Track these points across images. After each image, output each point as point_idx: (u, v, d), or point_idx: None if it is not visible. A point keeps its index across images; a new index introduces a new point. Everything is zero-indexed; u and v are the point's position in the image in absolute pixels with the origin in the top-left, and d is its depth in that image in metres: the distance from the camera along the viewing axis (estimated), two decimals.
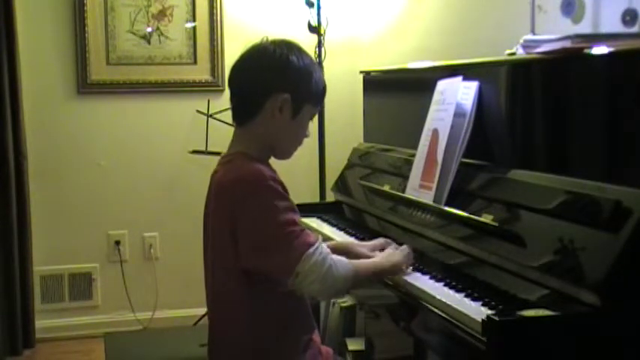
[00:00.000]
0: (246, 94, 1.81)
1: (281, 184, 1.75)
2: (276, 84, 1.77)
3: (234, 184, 1.73)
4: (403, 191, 2.33)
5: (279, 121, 1.78)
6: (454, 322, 1.66)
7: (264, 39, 1.84)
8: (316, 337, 1.88)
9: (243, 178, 1.73)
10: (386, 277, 1.97)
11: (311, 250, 1.68)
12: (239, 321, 1.78)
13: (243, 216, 1.70)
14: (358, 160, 2.91)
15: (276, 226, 1.69)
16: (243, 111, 1.82)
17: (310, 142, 3.73)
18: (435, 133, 2.20)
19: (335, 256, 1.75)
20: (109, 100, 3.85)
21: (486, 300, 1.69)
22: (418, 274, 1.95)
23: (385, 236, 2.21)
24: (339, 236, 2.47)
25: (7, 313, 3.57)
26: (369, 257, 1.98)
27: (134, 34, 3.84)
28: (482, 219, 1.89)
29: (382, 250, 2.05)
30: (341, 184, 2.93)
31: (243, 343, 1.78)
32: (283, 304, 1.77)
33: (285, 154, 1.87)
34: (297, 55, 1.81)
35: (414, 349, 2.49)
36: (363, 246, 2.09)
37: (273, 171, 1.79)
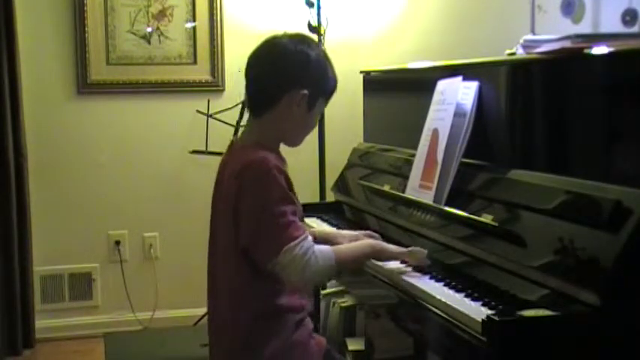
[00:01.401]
0: (264, 88, 1.87)
1: (285, 173, 1.81)
2: (296, 80, 1.84)
3: (242, 170, 1.80)
4: (403, 191, 2.33)
5: (296, 115, 1.86)
6: (454, 322, 1.66)
7: (283, 33, 1.89)
8: (309, 321, 1.92)
9: (248, 165, 1.80)
10: (375, 259, 2.02)
11: (292, 244, 1.75)
12: (236, 299, 1.84)
13: (244, 200, 1.78)
14: (358, 160, 2.91)
15: (268, 215, 1.76)
16: (260, 103, 1.88)
17: (310, 142, 3.74)
18: (435, 133, 2.20)
19: (318, 248, 1.81)
20: (109, 100, 3.85)
21: (486, 300, 1.69)
22: (418, 274, 1.95)
23: (384, 236, 2.22)
24: None
25: (7, 313, 3.57)
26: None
27: (134, 34, 3.84)
28: (482, 219, 1.89)
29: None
30: (341, 184, 2.93)
31: (238, 321, 1.83)
32: (279, 282, 1.82)
33: (295, 142, 1.94)
34: (315, 52, 1.88)
35: (414, 349, 2.49)
36: (343, 237, 2.13)
37: (282, 159, 1.87)
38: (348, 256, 1.92)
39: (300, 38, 1.89)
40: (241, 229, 1.79)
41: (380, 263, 2.04)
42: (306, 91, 1.84)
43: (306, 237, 1.80)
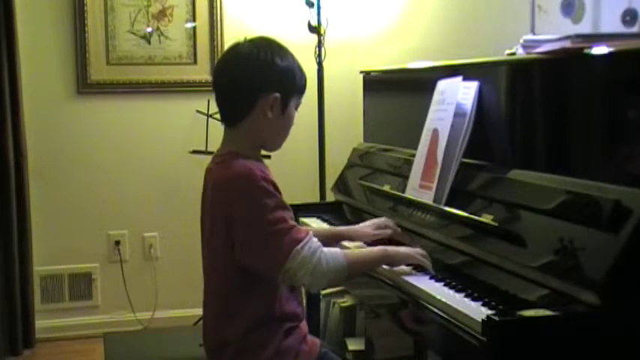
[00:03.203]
0: (236, 97, 1.87)
1: (272, 182, 1.81)
2: (264, 86, 1.84)
3: (227, 183, 1.81)
4: (403, 191, 2.33)
5: (271, 119, 1.86)
6: (454, 322, 1.66)
7: (244, 39, 1.89)
8: (303, 326, 1.93)
9: (235, 178, 1.80)
10: (388, 264, 2.01)
11: (299, 246, 1.76)
12: (227, 309, 1.84)
13: (236, 215, 1.78)
14: (358, 160, 2.91)
15: (266, 224, 1.76)
16: (232, 112, 1.88)
17: (310, 142, 3.75)
18: (435, 133, 2.20)
19: (327, 250, 1.82)
20: (109, 100, 3.85)
21: (486, 300, 1.69)
22: (418, 274, 1.95)
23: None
24: None
25: (7, 313, 3.57)
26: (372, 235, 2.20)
27: (134, 34, 3.84)
28: (482, 219, 1.89)
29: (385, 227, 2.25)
30: (341, 184, 2.93)
31: (230, 330, 1.84)
32: (270, 292, 1.83)
33: (276, 146, 1.95)
34: (279, 55, 1.87)
35: (414, 349, 2.49)
36: (365, 227, 2.22)
37: (265, 167, 1.86)
38: (360, 259, 1.91)
39: (261, 42, 1.88)
40: (240, 245, 1.78)
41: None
42: (277, 94, 1.84)
43: (311, 238, 1.80)
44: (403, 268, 1.99)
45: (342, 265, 1.82)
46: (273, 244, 1.76)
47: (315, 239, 1.81)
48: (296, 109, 1.93)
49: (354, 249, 1.98)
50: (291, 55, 1.91)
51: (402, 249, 2.01)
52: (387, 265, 2.00)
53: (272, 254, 1.77)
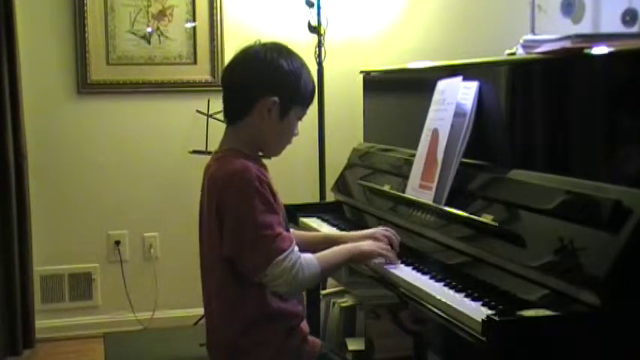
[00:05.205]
0: (236, 95, 1.88)
1: (268, 184, 1.81)
2: (265, 87, 1.84)
3: (222, 180, 1.81)
4: (403, 191, 2.33)
5: (268, 122, 1.86)
6: (454, 322, 1.66)
7: (257, 42, 1.90)
8: (304, 325, 1.93)
9: (231, 175, 1.80)
10: (355, 263, 2.05)
11: (281, 256, 1.77)
12: (226, 307, 1.85)
13: (228, 212, 1.79)
14: (358, 160, 2.91)
15: (254, 227, 1.77)
16: (233, 111, 1.90)
17: (310, 142, 3.75)
18: (435, 133, 2.20)
19: (304, 258, 1.82)
20: (109, 100, 3.85)
21: (486, 300, 1.69)
22: (418, 274, 1.95)
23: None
24: None
25: (7, 313, 3.56)
26: None
27: (134, 34, 3.84)
28: (482, 219, 1.89)
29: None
30: (341, 184, 2.93)
31: (229, 329, 1.84)
32: (267, 291, 1.83)
33: (273, 152, 1.95)
34: (287, 59, 1.87)
35: (414, 349, 2.49)
36: (353, 237, 2.13)
37: (263, 167, 1.87)
38: (330, 263, 1.92)
39: (273, 47, 1.89)
40: (226, 241, 1.79)
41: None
42: (276, 99, 1.84)
43: (294, 248, 1.81)
44: (374, 261, 2.03)
45: (316, 274, 1.85)
46: (258, 249, 1.77)
47: (296, 249, 1.81)
48: (299, 119, 1.92)
49: (325, 251, 1.96)
50: (302, 64, 1.90)
51: (366, 247, 2.01)
52: (355, 262, 2.03)
53: (255, 258, 1.78)
